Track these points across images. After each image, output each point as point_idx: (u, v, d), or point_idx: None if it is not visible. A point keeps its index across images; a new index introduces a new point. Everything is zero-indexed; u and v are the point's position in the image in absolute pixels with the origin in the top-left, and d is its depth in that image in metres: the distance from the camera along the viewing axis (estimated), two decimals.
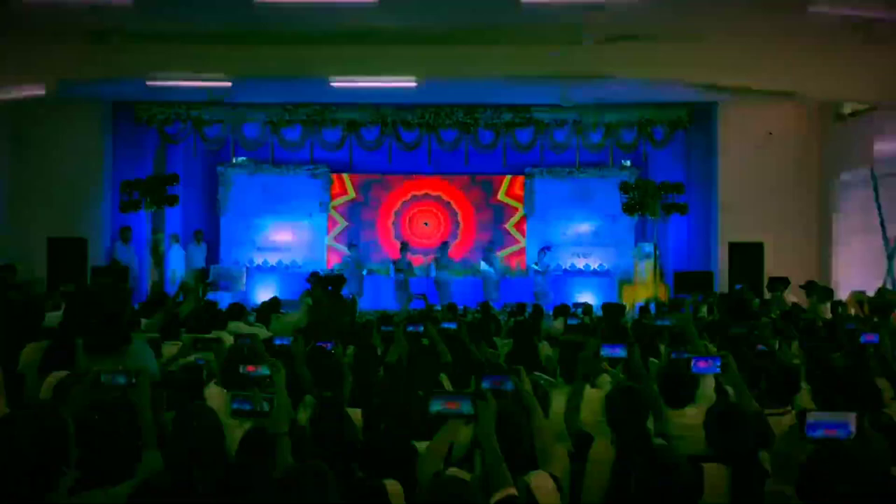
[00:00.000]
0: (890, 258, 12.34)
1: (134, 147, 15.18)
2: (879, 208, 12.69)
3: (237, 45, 11.73)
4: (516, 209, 17.64)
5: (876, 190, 12.79)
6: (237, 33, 11.37)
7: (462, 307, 12.61)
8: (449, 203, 17.71)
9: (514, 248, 17.62)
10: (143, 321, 8.13)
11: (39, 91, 12.34)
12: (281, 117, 15.13)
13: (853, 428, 2.19)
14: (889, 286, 11.76)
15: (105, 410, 2.73)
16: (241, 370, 3.77)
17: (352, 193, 17.66)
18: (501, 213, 17.70)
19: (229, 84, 12.78)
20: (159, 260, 15.05)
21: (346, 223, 17.60)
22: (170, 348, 6.17)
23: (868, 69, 11.37)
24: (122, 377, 2.94)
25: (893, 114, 12.49)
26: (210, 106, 14.74)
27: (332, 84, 12.41)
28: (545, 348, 7.05)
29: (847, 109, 14.07)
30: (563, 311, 10.31)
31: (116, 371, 3.02)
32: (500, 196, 17.65)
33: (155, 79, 12.49)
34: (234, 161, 17.24)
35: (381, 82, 12.55)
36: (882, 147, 12.77)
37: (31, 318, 4.63)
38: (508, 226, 17.65)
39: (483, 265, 16.00)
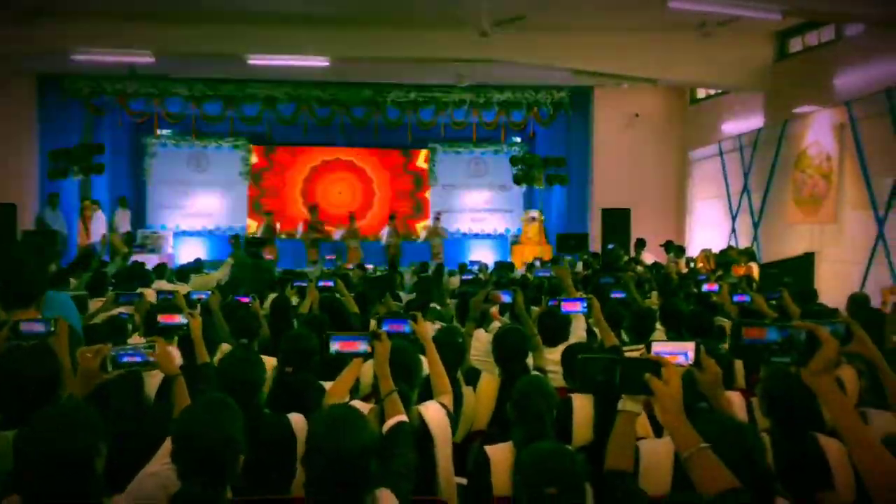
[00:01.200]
0: (733, 220, 13.00)
1: (62, 118, 14.28)
2: (725, 179, 13.32)
3: (159, 23, 11.13)
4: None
5: (723, 163, 13.42)
6: (159, 11, 10.78)
7: (373, 266, 12.53)
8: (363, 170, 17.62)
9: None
10: (73, 280, 7.75)
11: None
12: (202, 92, 14.51)
13: (692, 356, 2.28)
14: (733, 244, 12.39)
15: (24, 356, 2.56)
16: (158, 321, 3.61)
17: (271, 164, 17.31)
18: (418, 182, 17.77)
19: (153, 60, 12.12)
20: (87, 224, 14.29)
21: (265, 191, 17.25)
22: (96, 304, 5.90)
23: (718, 59, 11.82)
24: (41, 325, 2.77)
25: (738, 98, 13.07)
26: (134, 80, 13.96)
27: (250, 62, 11.95)
28: (444, 299, 7.13)
29: (700, 94, 14.63)
30: (460, 269, 10.50)
31: (35, 319, 2.84)
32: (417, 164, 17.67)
33: (79, 54, 11.71)
34: (158, 133, 16.51)
35: (294, 61, 12.18)
36: (728, 127, 13.38)
37: None
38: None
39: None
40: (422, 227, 17.01)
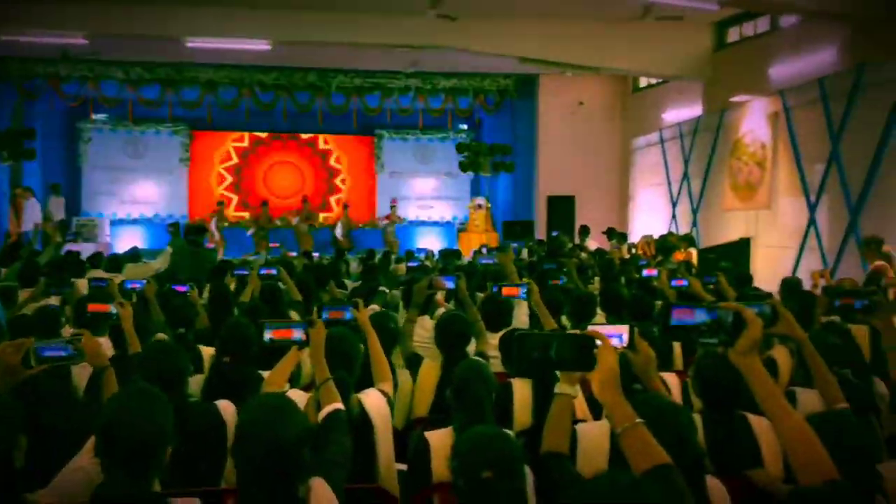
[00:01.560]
0: (674, 207, 13.27)
1: None
2: (666, 166, 13.58)
3: (93, 3, 10.72)
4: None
5: (663, 151, 13.67)
6: None
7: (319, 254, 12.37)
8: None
9: None
10: (3, 270, 7.45)
11: None
12: (139, 76, 14.08)
13: (626, 338, 2.31)
14: (673, 230, 12.66)
15: None
16: (87, 310, 3.47)
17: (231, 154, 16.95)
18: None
19: (86, 41, 11.66)
20: (19, 212, 13.71)
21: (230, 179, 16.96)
22: (26, 295, 5.67)
23: (659, 49, 12.02)
24: None
25: (678, 87, 13.33)
26: (67, 63, 13.42)
27: (188, 44, 11.61)
28: (392, 286, 7.09)
29: (643, 83, 14.87)
30: (407, 256, 10.52)
31: None
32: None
33: (9, 35, 11.17)
34: (93, 117, 15.94)
35: (234, 44, 11.89)
36: (668, 115, 13.64)
37: None
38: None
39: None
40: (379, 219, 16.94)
